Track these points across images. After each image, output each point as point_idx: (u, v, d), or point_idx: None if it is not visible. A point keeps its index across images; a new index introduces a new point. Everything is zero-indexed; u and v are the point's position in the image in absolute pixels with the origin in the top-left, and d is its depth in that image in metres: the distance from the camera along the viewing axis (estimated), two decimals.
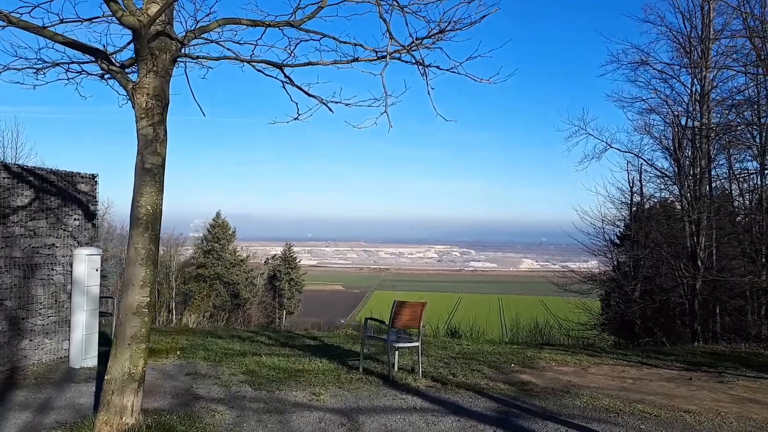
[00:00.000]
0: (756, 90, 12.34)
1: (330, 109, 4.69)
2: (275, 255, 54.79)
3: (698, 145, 12.69)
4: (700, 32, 12.92)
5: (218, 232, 44.05)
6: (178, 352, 7.66)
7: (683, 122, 13.34)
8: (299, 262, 55.84)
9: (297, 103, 4.81)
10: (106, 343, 6.95)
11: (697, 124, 12.95)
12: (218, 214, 44.87)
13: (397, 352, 6.88)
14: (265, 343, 9.10)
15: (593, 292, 14.13)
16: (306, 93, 4.67)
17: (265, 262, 53.57)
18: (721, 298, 9.44)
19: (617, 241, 13.69)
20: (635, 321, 9.90)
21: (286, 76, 4.60)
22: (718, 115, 13.07)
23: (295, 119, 4.81)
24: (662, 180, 13.60)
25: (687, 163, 12.88)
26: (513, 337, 26.11)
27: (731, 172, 13.25)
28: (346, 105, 4.69)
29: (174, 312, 42.58)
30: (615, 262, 11.44)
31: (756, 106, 12.27)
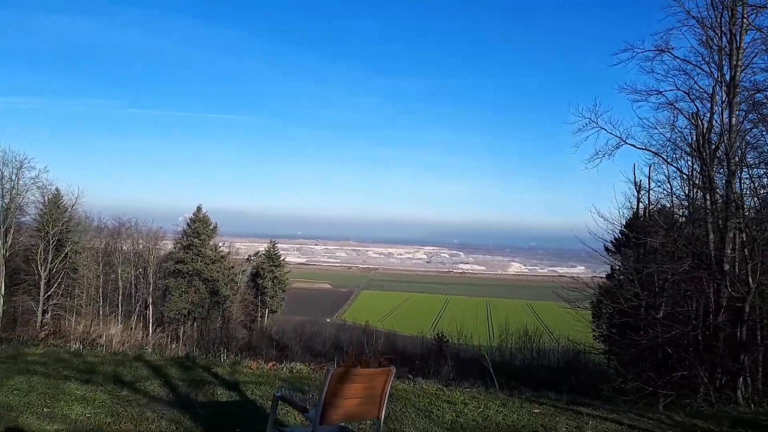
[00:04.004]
0: None
1: None
2: (258, 252, 52.99)
3: (725, 142, 11.28)
4: (729, 15, 11.46)
5: (198, 226, 42.18)
6: None
7: (707, 118, 11.91)
8: (284, 259, 54.09)
9: None
10: None
11: (723, 120, 11.53)
12: (199, 209, 42.98)
13: None
14: (147, 395, 6.07)
15: (587, 302, 12.70)
16: None
17: (247, 259, 51.78)
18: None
19: (629, 248, 12.29)
20: (665, 348, 8.43)
21: None
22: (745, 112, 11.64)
23: None
24: (683, 181, 12.22)
25: (711, 162, 11.47)
26: (502, 342, 24.83)
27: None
28: None
29: (150, 308, 40.90)
30: (634, 274, 9.99)
31: None
